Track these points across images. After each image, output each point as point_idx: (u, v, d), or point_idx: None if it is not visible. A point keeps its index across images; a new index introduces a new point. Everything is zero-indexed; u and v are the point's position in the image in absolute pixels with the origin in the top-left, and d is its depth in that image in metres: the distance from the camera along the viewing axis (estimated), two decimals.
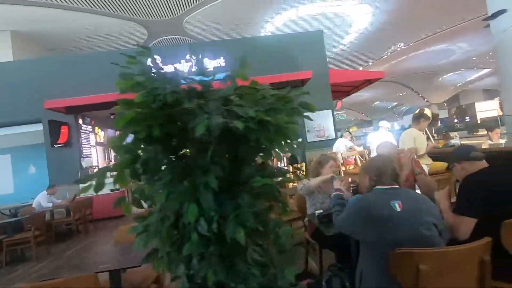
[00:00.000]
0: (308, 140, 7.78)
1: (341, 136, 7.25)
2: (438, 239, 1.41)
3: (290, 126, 1.08)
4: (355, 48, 21.68)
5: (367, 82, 8.59)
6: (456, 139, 3.62)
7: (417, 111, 3.51)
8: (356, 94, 36.05)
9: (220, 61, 7.42)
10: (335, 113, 8.07)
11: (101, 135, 9.35)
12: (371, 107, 35.82)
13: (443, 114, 29.33)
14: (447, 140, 4.71)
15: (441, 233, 1.44)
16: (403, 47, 21.45)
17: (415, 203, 1.47)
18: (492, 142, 4.91)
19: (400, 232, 1.39)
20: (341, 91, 9.46)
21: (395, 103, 35.22)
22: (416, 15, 17.95)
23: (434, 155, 3.52)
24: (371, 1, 17.82)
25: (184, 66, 7.29)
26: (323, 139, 7.81)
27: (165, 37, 16.00)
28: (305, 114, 1.14)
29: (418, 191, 2.34)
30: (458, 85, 27.27)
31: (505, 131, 5.61)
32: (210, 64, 7.40)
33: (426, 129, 4.17)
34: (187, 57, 7.30)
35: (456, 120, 23.85)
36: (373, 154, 4.41)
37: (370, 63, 23.29)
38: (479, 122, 20.23)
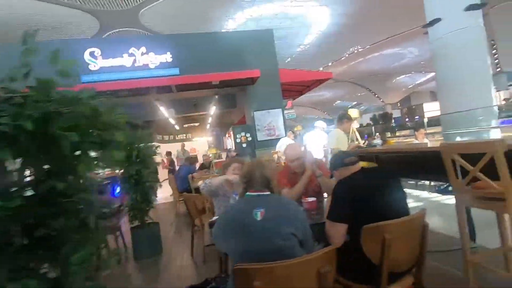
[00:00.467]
0: (258, 139, 7.71)
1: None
2: (297, 250, 1.32)
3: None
4: (316, 48, 22.11)
5: (317, 82, 8.69)
6: (377, 139, 3.74)
7: (340, 112, 3.55)
8: (318, 93, 36.72)
9: (167, 56, 7.08)
10: (285, 112, 8.06)
11: None
12: (333, 106, 36.91)
13: (396, 113, 30.94)
14: (371, 141, 4.91)
15: (302, 243, 1.36)
16: (360, 50, 22.28)
17: (278, 212, 1.37)
18: (417, 142, 5.18)
19: (256, 242, 1.28)
20: (294, 90, 9.51)
21: (355, 103, 36.59)
22: (370, 20, 18.64)
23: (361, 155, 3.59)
24: (329, 4, 18.19)
25: (127, 60, 6.85)
26: (274, 138, 7.78)
27: (119, 30, 15.11)
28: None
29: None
30: (409, 86, 28.93)
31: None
32: (156, 59, 7.03)
33: (355, 129, 4.27)
34: (130, 51, 6.87)
35: (407, 119, 25.32)
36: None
37: (330, 64, 23.93)
38: (426, 121, 21.64)
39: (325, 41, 21.72)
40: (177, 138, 13.79)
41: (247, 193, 1.47)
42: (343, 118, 3.47)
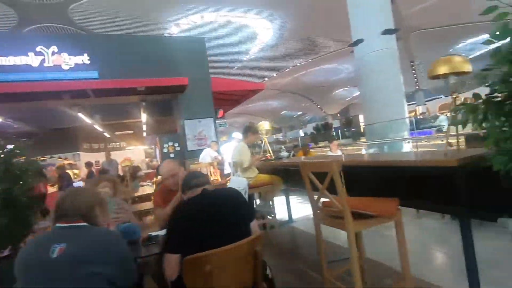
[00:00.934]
0: (188, 149, 7.40)
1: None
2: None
3: None
4: (261, 59, 22.57)
5: (251, 93, 8.73)
6: (283, 151, 3.75)
7: (246, 125, 3.50)
8: (266, 102, 37.28)
9: (84, 58, 6.45)
10: (217, 121, 7.90)
11: None
12: (280, 116, 37.97)
13: (337, 123, 32.88)
14: (278, 153, 5.01)
15: (116, 279, 1.15)
16: (302, 63, 23.32)
17: (83, 247, 1.14)
18: (331, 154, 5.41)
19: (47, 285, 1.07)
20: (231, 99, 9.43)
21: (300, 113, 38.10)
22: (309, 36, 19.64)
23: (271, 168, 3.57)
24: (271, 18, 18.73)
25: (33, 59, 6.07)
26: (205, 147, 7.54)
27: (45, 25, 13.64)
28: None
29: None
30: (347, 99, 31.06)
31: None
32: (70, 60, 6.36)
33: (266, 141, 4.28)
34: (38, 49, 6.11)
35: (345, 129, 27.04)
36: (226, 165, 4.32)
37: (275, 75, 24.62)
38: (362, 131, 23.23)
39: (269, 53, 22.31)
40: (109, 147, 12.76)
41: (56, 224, 1.23)
42: (248, 131, 3.40)
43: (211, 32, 17.00)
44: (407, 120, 8.19)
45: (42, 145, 9.67)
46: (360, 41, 7.88)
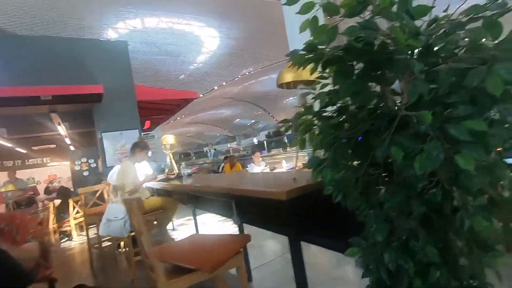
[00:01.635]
0: (108, 165, 6.57)
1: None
2: None
3: None
4: (209, 67, 22.09)
5: (184, 102, 8.17)
6: (185, 169, 3.31)
7: (135, 142, 2.98)
8: (218, 111, 36.69)
9: None
10: (143, 133, 7.19)
11: None
12: (234, 124, 37.64)
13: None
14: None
15: None
16: (252, 72, 23.31)
17: None
18: (255, 166, 5.10)
19: None
20: (162, 109, 8.74)
21: (253, 121, 38.22)
22: (255, 46, 19.70)
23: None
24: (217, 26, 18.37)
25: None
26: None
27: None
28: None
29: None
30: (297, 107, 31.78)
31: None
32: None
33: (172, 157, 3.79)
34: None
35: (296, 135, 27.49)
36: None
37: (224, 83, 24.27)
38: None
39: (217, 61, 21.93)
40: (27, 163, 11.16)
41: None
42: (135, 148, 2.89)
43: (150, 38, 16.14)
44: None
45: None
46: (296, 51, 7.83)
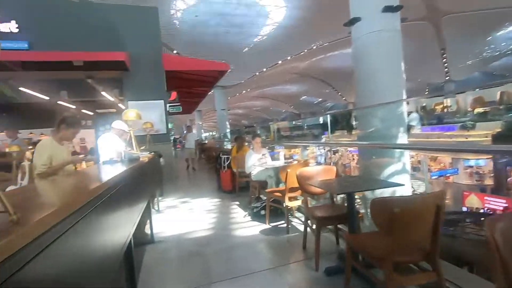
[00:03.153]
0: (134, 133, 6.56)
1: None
2: None
3: None
4: (273, 40, 20.92)
5: (217, 73, 7.59)
6: (135, 150, 2.76)
7: (64, 115, 2.49)
8: (284, 87, 35.61)
9: (11, 26, 5.73)
10: (169, 104, 6.94)
11: None
12: (300, 101, 36.08)
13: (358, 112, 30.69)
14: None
15: None
16: (319, 46, 21.26)
17: None
18: (253, 153, 4.23)
19: None
20: (196, 80, 8.36)
21: (320, 99, 35.94)
22: (326, 16, 17.58)
23: None
24: None
25: None
26: (153, 133, 6.67)
27: None
28: None
29: None
30: None
31: None
32: None
33: (132, 135, 3.27)
34: None
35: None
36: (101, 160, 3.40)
37: (289, 58, 22.83)
38: None
39: (282, 34, 20.58)
40: None
41: None
42: (61, 124, 2.41)
43: (217, 8, 15.73)
44: (405, 112, 6.67)
45: (23, 119, 9.40)
46: (357, 19, 6.41)
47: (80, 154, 5.78)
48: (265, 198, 3.82)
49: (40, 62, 5.82)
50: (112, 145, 3.49)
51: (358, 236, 1.90)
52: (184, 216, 4.16)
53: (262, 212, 3.64)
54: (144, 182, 2.90)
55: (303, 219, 3.52)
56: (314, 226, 2.39)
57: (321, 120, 34.72)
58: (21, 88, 6.79)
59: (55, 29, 6.03)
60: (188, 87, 8.61)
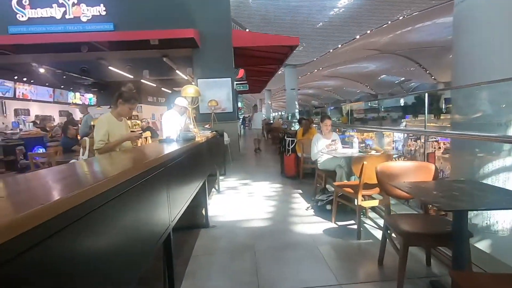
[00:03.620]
0: (201, 112, 6.61)
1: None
2: None
3: None
4: (351, 13, 18.91)
5: (288, 49, 7.01)
6: (188, 132, 2.40)
7: (121, 90, 2.31)
8: (361, 65, 32.64)
9: (100, 9, 6.13)
10: (236, 82, 6.69)
11: None
12: (378, 81, 32.59)
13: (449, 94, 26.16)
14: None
15: None
16: (406, 16, 18.32)
17: None
18: (322, 137, 3.56)
19: None
20: (271, 57, 7.92)
21: (403, 78, 31.78)
22: None
23: None
24: None
25: (57, 11, 6.09)
26: (220, 111, 6.60)
27: None
28: None
29: None
30: None
31: None
32: (88, 11, 6.14)
33: (191, 113, 3.00)
34: (60, 0, 6.07)
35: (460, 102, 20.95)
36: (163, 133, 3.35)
37: (369, 32, 20.38)
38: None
39: (362, 5, 18.40)
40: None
41: None
42: (118, 99, 2.24)
43: None
44: None
45: (109, 96, 10.53)
46: None
47: (150, 130, 6.09)
48: (332, 190, 3.26)
49: (123, 41, 6.15)
50: (172, 123, 3.37)
51: (470, 276, 1.25)
52: (242, 200, 3.91)
53: (328, 207, 3.10)
54: (199, 162, 2.67)
55: (379, 222, 2.87)
56: (396, 240, 1.78)
57: (401, 101, 30.79)
58: (110, 67, 7.41)
59: (135, 11, 6.26)
60: (257, 64, 8.22)
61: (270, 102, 33.46)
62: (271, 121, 19.75)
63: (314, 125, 5.21)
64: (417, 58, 24.80)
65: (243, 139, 15.22)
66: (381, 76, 30.99)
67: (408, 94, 31.87)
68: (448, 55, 22.88)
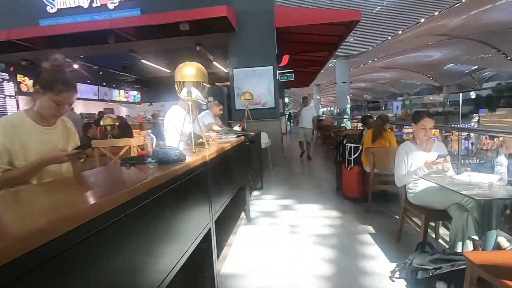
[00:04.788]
0: (236, 108, 5.38)
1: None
2: None
3: None
4: None
5: (346, 28, 5.38)
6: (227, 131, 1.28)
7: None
8: (423, 53, 28.81)
9: None
10: (279, 72, 5.29)
11: (29, 83, 7.38)
12: (443, 71, 28.05)
13: None
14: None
15: None
16: None
17: None
18: (416, 148, 1.94)
19: None
20: (322, 42, 6.34)
21: (475, 67, 26.79)
22: None
23: None
24: None
25: (84, 0, 5.38)
26: (259, 107, 5.31)
27: None
28: None
29: None
30: None
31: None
32: None
33: (190, 106, 1.68)
34: None
35: None
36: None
37: (436, 13, 16.98)
38: None
39: None
40: None
41: None
42: (35, 84, 1.15)
43: None
44: None
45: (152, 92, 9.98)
46: None
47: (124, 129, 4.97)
48: (444, 247, 1.70)
49: (151, 27, 5.19)
50: (175, 123, 2.16)
51: None
52: (280, 240, 2.54)
53: (440, 286, 1.57)
54: (210, 188, 1.42)
55: None
56: None
57: (472, 94, 25.96)
58: (144, 61, 6.60)
59: None
60: (305, 51, 6.67)
61: (319, 97, 31.14)
62: (321, 117, 17.72)
63: (389, 125, 3.55)
64: (495, 43, 20.32)
65: (289, 138, 13.62)
66: (448, 66, 26.45)
67: (463, 90, 26.87)
68: None
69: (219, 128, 3.08)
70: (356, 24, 5.14)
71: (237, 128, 3.32)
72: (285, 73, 5.54)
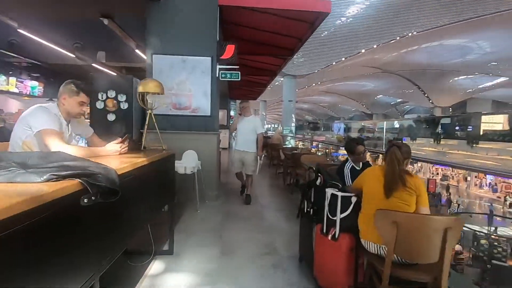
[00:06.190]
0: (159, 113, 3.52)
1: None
2: None
3: None
4: (361, 23, 16.34)
5: (309, 26, 4.04)
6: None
7: None
8: (359, 83, 30.21)
9: None
10: (218, 66, 3.64)
11: None
12: (374, 100, 30.31)
13: (447, 119, 23.98)
14: None
15: None
16: (415, 34, 15.91)
17: None
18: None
19: None
20: (276, 45, 4.93)
21: (399, 100, 29.58)
22: None
23: None
24: None
25: None
26: (187, 113, 3.53)
27: None
28: None
29: None
30: (468, 91, 21.52)
31: None
32: None
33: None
34: None
35: (457, 128, 18.62)
36: None
37: (375, 46, 17.78)
38: (481, 134, 15.78)
39: (372, 16, 15.91)
40: None
41: None
42: None
43: None
44: None
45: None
46: None
47: None
48: None
49: None
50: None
51: None
52: None
53: None
54: None
55: None
56: None
57: (396, 124, 28.34)
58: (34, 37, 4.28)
59: None
60: (257, 52, 5.23)
61: (265, 114, 30.53)
62: (269, 134, 16.35)
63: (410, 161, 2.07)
64: (416, 80, 22.65)
65: (232, 155, 11.83)
66: (378, 96, 28.76)
67: (389, 119, 29.68)
68: (447, 79, 20.77)
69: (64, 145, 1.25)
70: (322, 20, 3.88)
71: (113, 145, 1.51)
72: (229, 70, 3.92)
